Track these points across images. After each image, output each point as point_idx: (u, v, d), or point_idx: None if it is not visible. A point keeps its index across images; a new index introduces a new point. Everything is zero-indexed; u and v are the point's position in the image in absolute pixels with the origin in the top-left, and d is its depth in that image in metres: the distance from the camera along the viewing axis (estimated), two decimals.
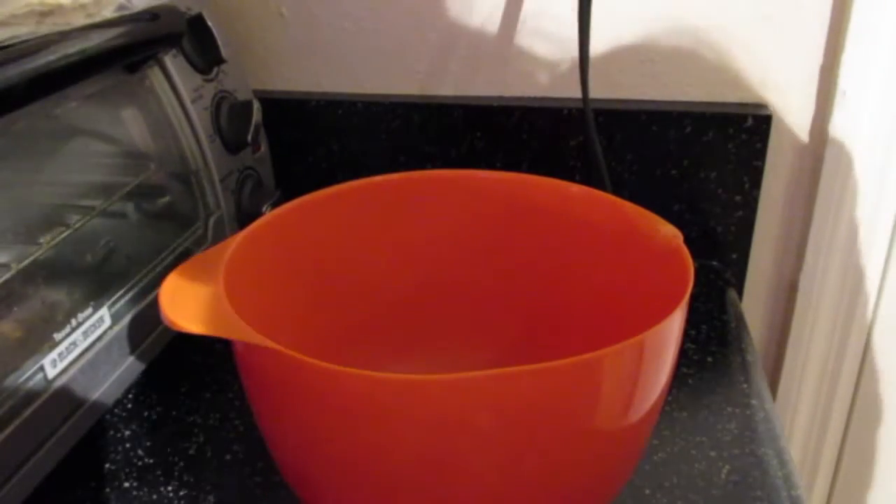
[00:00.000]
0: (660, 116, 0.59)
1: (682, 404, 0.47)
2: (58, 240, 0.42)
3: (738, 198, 0.60)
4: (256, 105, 0.55)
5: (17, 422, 0.38)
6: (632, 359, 0.30)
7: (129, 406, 0.48)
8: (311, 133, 0.65)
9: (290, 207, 0.41)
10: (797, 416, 0.67)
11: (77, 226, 0.43)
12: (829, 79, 0.57)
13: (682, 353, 0.51)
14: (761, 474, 0.41)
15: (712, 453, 0.43)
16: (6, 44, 0.36)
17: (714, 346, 0.52)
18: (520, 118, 0.61)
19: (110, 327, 0.44)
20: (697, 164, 0.59)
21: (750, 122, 0.57)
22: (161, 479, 0.42)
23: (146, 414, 0.47)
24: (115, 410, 0.48)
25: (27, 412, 0.38)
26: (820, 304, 0.62)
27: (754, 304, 0.65)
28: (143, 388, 0.50)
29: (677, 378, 0.49)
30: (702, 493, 0.40)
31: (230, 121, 0.54)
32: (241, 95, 0.57)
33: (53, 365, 0.40)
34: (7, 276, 0.39)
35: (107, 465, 0.43)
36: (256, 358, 0.31)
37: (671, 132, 0.59)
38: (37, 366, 0.39)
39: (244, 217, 0.56)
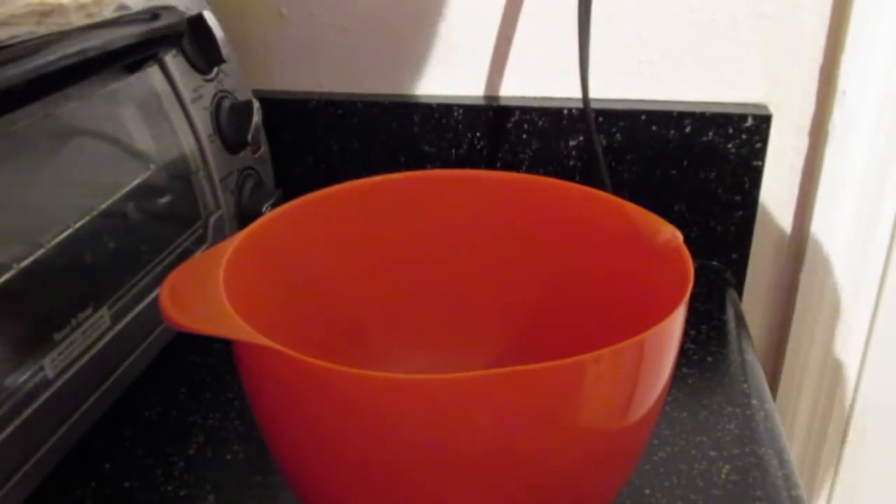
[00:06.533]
0: (660, 116, 0.59)
1: (682, 404, 0.47)
2: (58, 240, 0.42)
3: (738, 198, 0.60)
4: (256, 105, 0.55)
5: (17, 422, 0.38)
6: (632, 359, 0.30)
7: (129, 406, 0.48)
8: (311, 133, 0.65)
9: (290, 207, 0.41)
10: (797, 416, 0.67)
11: (77, 226, 0.43)
12: (829, 79, 0.57)
13: (682, 353, 0.51)
14: (761, 474, 0.41)
15: (712, 453, 0.43)
16: (6, 44, 0.36)
17: (714, 346, 0.52)
18: (520, 118, 0.61)
19: (110, 327, 0.44)
20: (697, 164, 0.59)
21: (750, 122, 0.57)
22: (161, 479, 0.42)
23: (146, 414, 0.47)
24: (116, 410, 0.48)
25: (27, 412, 0.38)
26: (820, 304, 0.62)
27: (754, 304, 0.65)
28: (143, 388, 0.50)
29: (677, 378, 0.49)
30: (702, 493, 0.40)
31: (230, 121, 0.54)
32: (241, 95, 0.57)
33: (53, 365, 0.40)
34: (7, 276, 0.38)
35: (107, 465, 0.43)
36: (256, 358, 0.31)
37: (671, 132, 0.59)
38: (37, 366, 0.39)
39: (244, 217, 0.56)
